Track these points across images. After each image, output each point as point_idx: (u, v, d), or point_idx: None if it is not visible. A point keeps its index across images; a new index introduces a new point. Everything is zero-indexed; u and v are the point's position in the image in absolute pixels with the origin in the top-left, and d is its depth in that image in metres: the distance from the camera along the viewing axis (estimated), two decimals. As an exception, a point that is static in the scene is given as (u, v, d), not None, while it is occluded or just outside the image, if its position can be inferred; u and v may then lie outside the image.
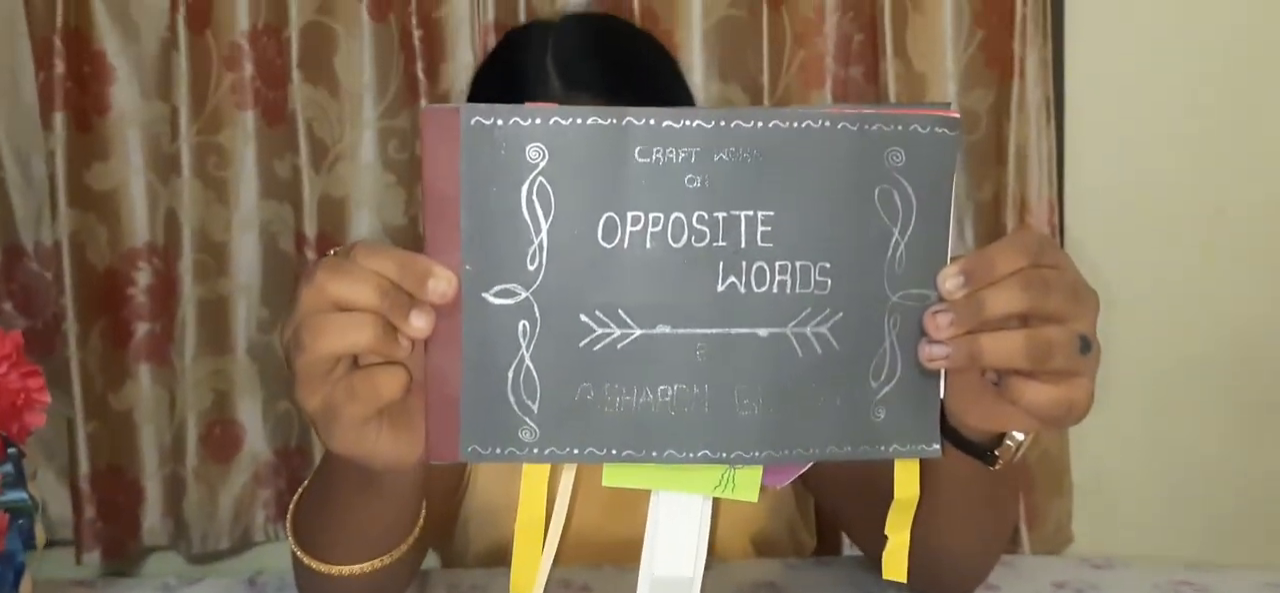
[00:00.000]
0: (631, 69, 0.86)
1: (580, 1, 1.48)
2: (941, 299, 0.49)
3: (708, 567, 0.79)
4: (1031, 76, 1.44)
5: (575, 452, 0.49)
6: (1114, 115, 1.52)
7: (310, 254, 1.48)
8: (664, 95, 0.90)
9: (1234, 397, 1.59)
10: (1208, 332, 1.56)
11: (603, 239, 0.48)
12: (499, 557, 0.85)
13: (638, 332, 0.48)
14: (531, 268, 0.48)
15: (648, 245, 0.48)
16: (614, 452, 0.49)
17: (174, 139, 1.46)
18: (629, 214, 0.48)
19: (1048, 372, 0.50)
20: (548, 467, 0.51)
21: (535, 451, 0.49)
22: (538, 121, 0.47)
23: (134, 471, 1.55)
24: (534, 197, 0.47)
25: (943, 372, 0.51)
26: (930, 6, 1.45)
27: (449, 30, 1.47)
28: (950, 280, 0.49)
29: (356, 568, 0.63)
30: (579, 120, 0.47)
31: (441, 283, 0.47)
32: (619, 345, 0.48)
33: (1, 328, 0.62)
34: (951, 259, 0.50)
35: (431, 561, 0.84)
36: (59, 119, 1.44)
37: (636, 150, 0.47)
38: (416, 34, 1.45)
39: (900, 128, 0.48)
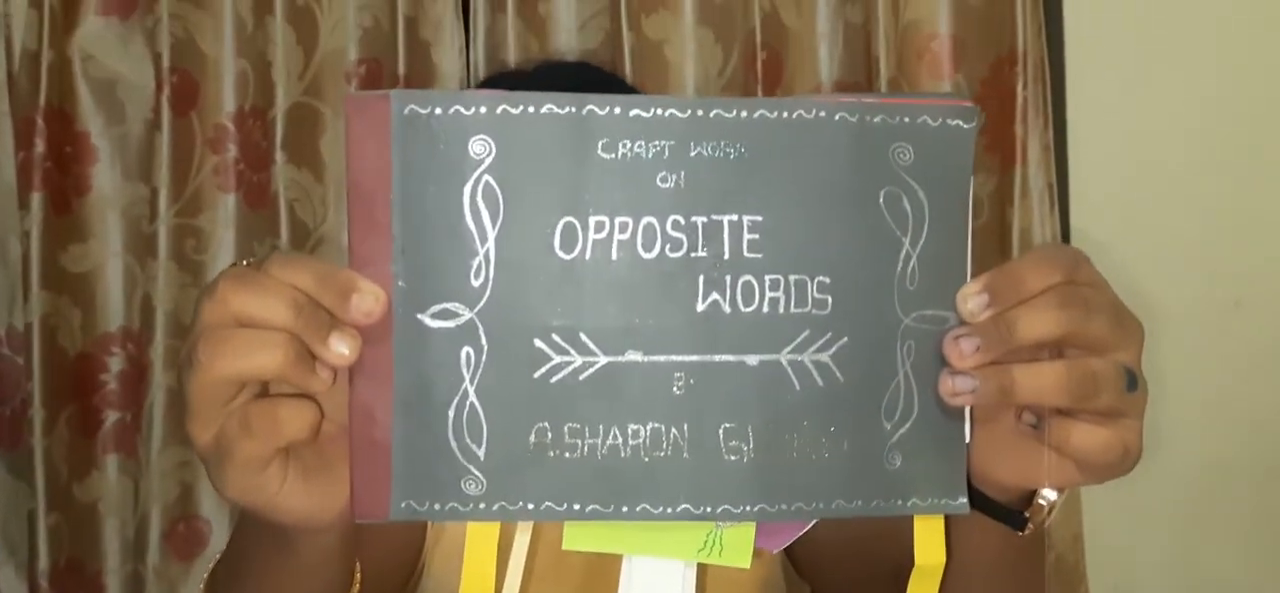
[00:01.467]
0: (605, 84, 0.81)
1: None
2: (963, 322, 0.42)
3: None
4: (1033, 162, 1.40)
5: (530, 507, 0.42)
6: (1120, 202, 1.47)
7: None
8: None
9: (1260, 499, 1.49)
10: (1230, 427, 1.48)
11: (560, 249, 0.41)
12: None
13: (603, 360, 0.41)
14: (476, 284, 0.41)
15: (614, 256, 0.41)
16: (577, 507, 0.42)
17: (153, 221, 1.43)
18: (591, 220, 0.41)
19: (1093, 411, 0.43)
20: (498, 526, 0.43)
21: (481, 506, 0.41)
22: (483, 110, 0.40)
23: (95, 565, 1.47)
24: (479, 199, 0.41)
25: (967, 411, 0.43)
26: (928, 92, 1.41)
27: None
28: (973, 299, 0.42)
29: None
30: (531, 108, 0.40)
31: (367, 299, 0.40)
32: (581, 376, 0.41)
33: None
34: (973, 276, 0.43)
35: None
36: (36, 199, 1.41)
37: (600, 144, 0.41)
38: (403, 115, 1.42)
39: (907, 120, 0.42)
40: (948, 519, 0.44)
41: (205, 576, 0.60)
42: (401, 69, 1.42)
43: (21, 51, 1.41)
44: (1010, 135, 1.40)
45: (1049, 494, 0.49)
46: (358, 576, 0.57)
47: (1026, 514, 0.49)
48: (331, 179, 1.45)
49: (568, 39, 1.44)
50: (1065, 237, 1.44)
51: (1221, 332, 1.48)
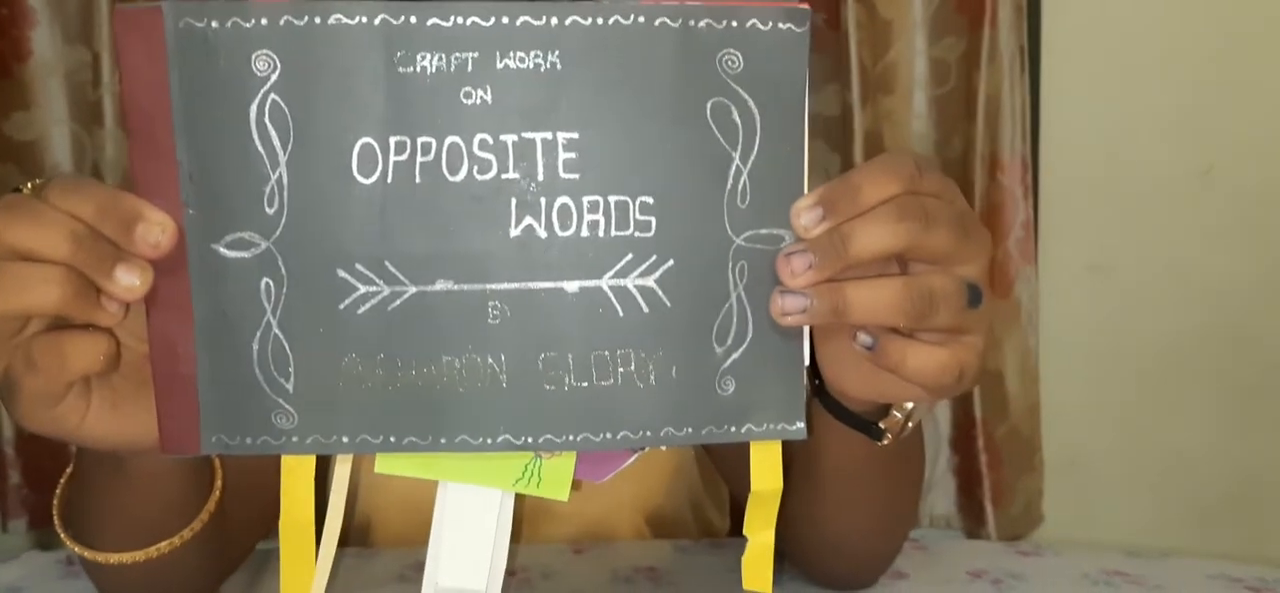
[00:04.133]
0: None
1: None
2: (799, 240, 0.40)
3: (589, 547, 0.71)
4: (1004, 24, 1.35)
5: (344, 440, 0.40)
6: (1093, 66, 1.43)
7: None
8: None
9: (1221, 377, 1.49)
10: (1194, 305, 1.47)
11: (359, 173, 0.38)
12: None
13: (412, 290, 0.39)
14: (270, 211, 0.38)
15: (417, 179, 0.38)
16: (392, 439, 0.40)
17: (96, 87, 1.39)
18: (391, 140, 0.38)
19: (932, 330, 0.41)
20: (313, 458, 0.42)
21: (294, 439, 0.40)
22: (264, 22, 0.37)
23: (60, 435, 1.48)
24: (267, 119, 0.38)
25: (806, 332, 0.42)
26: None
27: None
28: (806, 214, 0.39)
29: (128, 557, 0.53)
30: (317, 20, 0.37)
31: (154, 229, 0.38)
32: (389, 307, 0.39)
33: None
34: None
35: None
36: (-25, 65, 1.37)
37: (397, 57, 0.38)
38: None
39: (735, 24, 0.39)
40: (811, 425, 0.43)
41: (59, 485, 0.59)
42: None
43: (-52, -92, 1.35)
44: (981, -5, 1.35)
45: (906, 404, 0.48)
46: (218, 482, 0.55)
47: (883, 425, 0.48)
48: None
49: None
50: (1035, 104, 1.40)
51: (1191, 200, 1.46)
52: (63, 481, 0.57)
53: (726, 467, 0.73)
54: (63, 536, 0.55)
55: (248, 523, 0.63)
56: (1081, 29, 1.42)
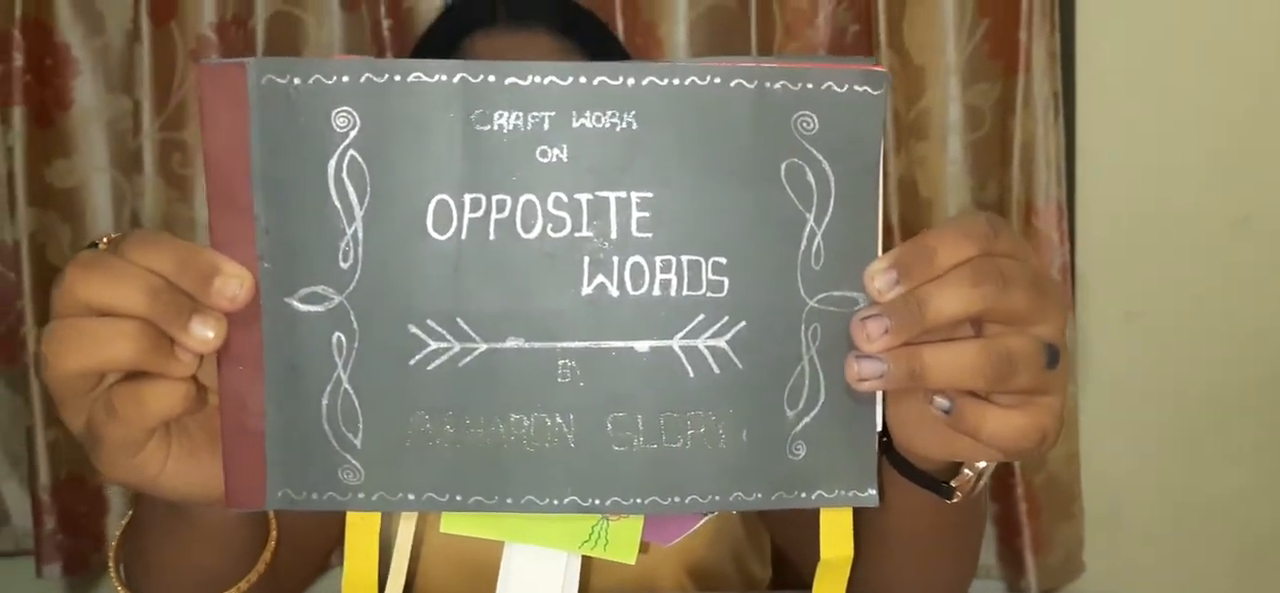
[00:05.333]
0: (579, 12, 0.78)
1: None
2: (872, 302, 0.39)
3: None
4: (1038, 69, 1.34)
5: (410, 498, 0.40)
6: (1128, 112, 1.42)
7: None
8: (610, 50, 0.83)
9: (1262, 424, 1.47)
10: (1233, 351, 1.45)
11: (433, 229, 0.39)
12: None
13: (482, 347, 0.39)
14: (345, 266, 0.39)
15: (491, 237, 0.39)
16: (459, 498, 0.40)
17: (137, 135, 1.41)
18: (466, 197, 0.39)
19: (1010, 392, 0.40)
20: (378, 516, 0.41)
21: (360, 496, 0.40)
22: (345, 79, 0.38)
23: (95, 479, 1.48)
24: (344, 175, 0.38)
25: (878, 395, 0.41)
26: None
27: (419, 20, 1.40)
28: (881, 277, 0.39)
29: None
30: (397, 77, 0.38)
31: (232, 283, 0.38)
32: (460, 364, 0.39)
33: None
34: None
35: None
36: (18, 114, 1.39)
37: (474, 115, 0.38)
38: (386, 24, 1.38)
39: (811, 86, 0.39)
40: (881, 488, 0.42)
41: (116, 536, 0.59)
42: (380, -24, 1.38)
43: (-5, -39, 1.38)
44: (1014, 41, 1.34)
45: (978, 462, 0.47)
46: (273, 538, 0.56)
47: (953, 484, 0.47)
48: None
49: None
50: (1070, 148, 1.39)
51: (1228, 247, 1.44)
52: (122, 528, 0.57)
53: (772, 517, 0.72)
54: (118, 585, 0.56)
55: (294, 569, 0.63)
56: (1116, 75, 1.41)
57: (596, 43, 0.81)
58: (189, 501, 0.43)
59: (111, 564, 0.56)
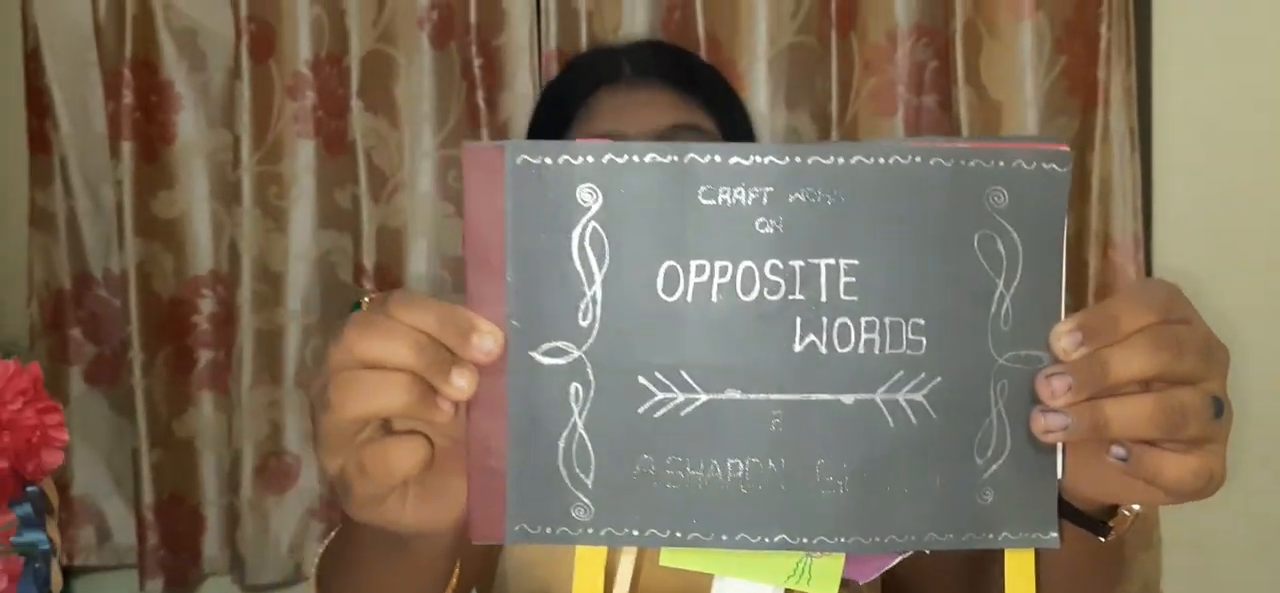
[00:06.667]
0: (699, 68, 0.82)
1: (642, 29, 1.44)
2: (1057, 360, 0.43)
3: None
4: (1116, 104, 1.36)
5: (634, 533, 0.44)
6: (1205, 145, 1.43)
7: (368, 285, 1.47)
8: (730, 106, 0.86)
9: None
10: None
11: (663, 292, 0.43)
12: None
13: (704, 397, 0.43)
14: (584, 324, 0.43)
15: (714, 299, 0.43)
16: (678, 535, 0.44)
17: (236, 167, 1.47)
18: (693, 263, 0.43)
19: (1181, 440, 0.44)
20: (604, 549, 0.46)
21: (590, 531, 0.44)
22: (590, 160, 0.42)
23: (195, 498, 1.55)
24: (586, 244, 0.43)
25: (1059, 446, 0.45)
26: (1007, 33, 1.38)
27: (508, 58, 1.45)
28: (1066, 338, 0.43)
29: None
30: (635, 158, 0.42)
31: (487, 339, 0.43)
32: (682, 412, 0.43)
33: (19, 360, 0.59)
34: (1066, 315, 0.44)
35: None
36: (127, 148, 1.46)
37: (701, 191, 0.42)
38: (476, 62, 1.43)
39: (1002, 164, 0.43)
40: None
41: (318, 557, 0.64)
42: (472, 18, 1.42)
43: (107, 3, 1.45)
44: (1092, 77, 1.36)
45: (1135, 505, 0.51)
46: (457, 568, 0.61)
47: (1110, 524, 0.51)
48: (407, 126, 1.47)
49: (639, -18, 1.43)
50: (1146, 182, 1.41)
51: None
52: (325, 546, 0.62)
53: (904, 570, 0.76)
54: None
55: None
56: (1192, 108, 1.43)
57: (715, 96, 0.85)
58: (417, 533, 0.48)
59: (312, 580, 0.61)
